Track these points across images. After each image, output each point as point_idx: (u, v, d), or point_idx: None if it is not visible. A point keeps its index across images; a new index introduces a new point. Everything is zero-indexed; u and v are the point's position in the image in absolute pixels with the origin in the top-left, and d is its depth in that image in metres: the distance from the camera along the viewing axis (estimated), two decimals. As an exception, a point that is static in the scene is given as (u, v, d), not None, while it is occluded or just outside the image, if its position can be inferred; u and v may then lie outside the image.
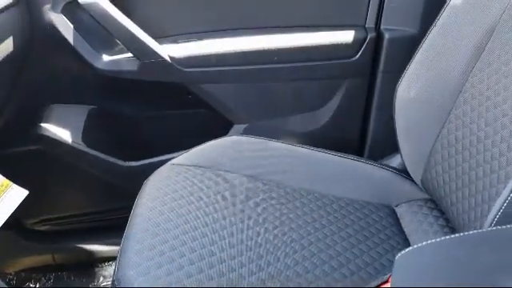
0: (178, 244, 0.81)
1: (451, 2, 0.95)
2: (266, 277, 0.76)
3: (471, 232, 0.62)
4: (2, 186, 0.93)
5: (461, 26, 0.94)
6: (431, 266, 0.54)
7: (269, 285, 0.75)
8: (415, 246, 0.59)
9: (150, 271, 0.75)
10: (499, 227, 0.62)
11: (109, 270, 1.39)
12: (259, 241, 0.84)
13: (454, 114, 0.94)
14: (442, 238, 0.58)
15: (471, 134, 0.89)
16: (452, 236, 0.57)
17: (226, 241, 0.83)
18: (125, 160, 1.29)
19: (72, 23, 1.15)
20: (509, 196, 0.68)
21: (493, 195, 0.75)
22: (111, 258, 1.41)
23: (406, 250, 0.57)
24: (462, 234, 0.59)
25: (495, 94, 0.87)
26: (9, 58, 1.03)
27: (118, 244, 1.36)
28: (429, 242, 0.60)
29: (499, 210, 0.69)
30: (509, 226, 0.59)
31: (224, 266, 0.77)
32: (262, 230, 0.86)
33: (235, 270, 0.77)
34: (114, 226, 1.38)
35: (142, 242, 0.81)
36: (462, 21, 0.94)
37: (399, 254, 0.57)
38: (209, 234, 0.84)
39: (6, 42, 1.02)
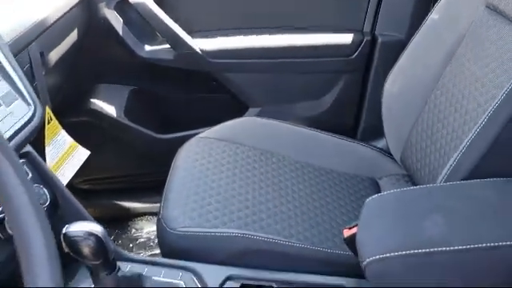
0: (206, 195, 1.04)
1: (430, 16, 1.17)
2: (265, 224, 0.99)
3: (424, 186, 0.85)
4: (71, 147, 1.16)
5: (436, 35, 1.16)
6: (390, 209, 0.77)
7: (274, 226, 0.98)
8: (380, 194, 0.82)
9: (186, 212, 0.98)
10: (447, 183, 0.84)
11: (140, 224, 1.63)
12: (262, 198, 1.06)
13: (428, 106, 1.16)
14: (401, 189, 0.81)
15: (438, 121, 1.10)
16: (409, 188, 0.80)
17: (242, 196, 1.06)
18: (158, 133, 1.53)
19: (122, 18, 1.40)
20: (455, 161, 0.87)
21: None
22: (141, 214, 1.64)
23: (373, 196, 0.80)
24: (417, 187, 0.81)
25: (458, 91, 1.08)
26: (73, 45, 1.27)
27: (148, 202, 1.62)
28: (391, 191, 0.83)
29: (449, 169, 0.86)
30: (453, 183, 0.82)
31: (241, 212, 1.00)
32: (264, 190, 1.08)
33: (248, 216, 1.00)
34: (145, 188, 1.62)
35: (179, 192, 1.04)
36: (437, 31, 1.16)
37: (367, 200, 0.81)
38: (228, 189, 1.07)
39: (72, 34, 1.26)
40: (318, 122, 1.40)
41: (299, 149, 1.25)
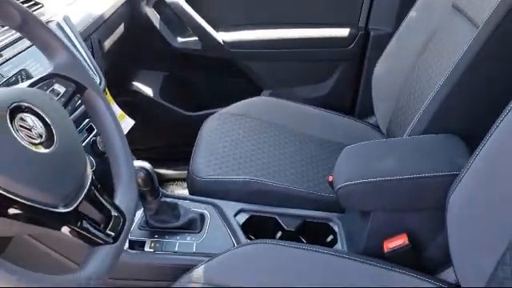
0: (225, 154, 1.30)
1: (410, 13, 1.41)
2: (270, 173, 1.25)
3: (386, 139, 1.10)
4: (120, 116, 1.44)
5: (414, 30, 1.40)
6: (357, 154, 1.03)
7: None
8: (351, 145, 1.08)
9: (210, 165, 1.25)
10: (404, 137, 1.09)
11: (171, 188, 1.90)
12: (268, 156, 1.31)
13: (407, 84, 1.39)
14: (367, 141, 1.07)
15: (414, 98, 1.33)
16: (375, 141, 1.05)
17: (253, 154, 1.31)
18: (186, 111, 1.81)
19: (159, 15, 1.68)
20: (416, 120, 1.06)
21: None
22: (172, 180, 1.91)
23: (347, 147, 1.06)
24: (381, 140, 1.06)
25: (431, 73, 1.31)
26: (121, 36, 1.55)
27: (178, 170, 1.88)
28: (361, 143, 1.08)
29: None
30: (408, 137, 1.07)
31: (252, 164, 1.26)
32: (270, 151, 1.32)
33: (257, 168, 1.26)
34: (175, 158, 1.89)
35: (204, 152, 1.31)
36: (415, 26, 1.39)
37: (343, 150, 1.06)
38: (242, 149, 1.33)
39: (120, 27, 1.54)
40: (320, 102, 1.63)
41: (299, 122, 1.47)
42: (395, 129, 1.34)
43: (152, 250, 1.00)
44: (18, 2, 0.65)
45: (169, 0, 1.63)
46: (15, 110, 0.56)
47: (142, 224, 1.04)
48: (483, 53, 0.98)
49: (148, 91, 1.77)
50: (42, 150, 0.56)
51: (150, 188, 0.99)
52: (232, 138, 1.38)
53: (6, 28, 0.96)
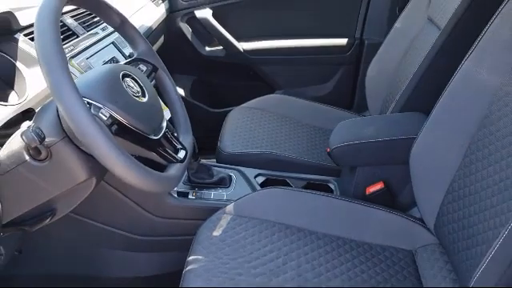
0: (246, 135, 1.63)
1: (395, 25, 1.73)
2: (283, 147, 1.57)
3: (370, 116, 1.43)
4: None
5: (397, 39, 1.70)
6: (347, 126, 1.35)
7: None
8: (345, 121, 1.40)
9: (234, 143, 1.58)
10: (388, 114, 1.42)
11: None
12: (281, 136, 1.65)
13: (392, 83, 1.70)
14: (358, 118, 1.39)
15: (397, 93, 1.65)
16: (362, 117, 1.38)
17: (268, 134, 1.64)
18: (211, 108, 2.15)
19: (191, 28, 2.04)
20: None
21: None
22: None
23: (341, 122, 1.38)
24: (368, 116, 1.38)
25: (408, 74, 1.61)
26: (161, 46, 1.91)
27: (203, 158, 2.21)
28: (351, 119, 1.40)
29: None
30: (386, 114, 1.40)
31: (267, 141, 1.59)
32: (282, 133, 1.67)
33: (271, 143, 1.59)
34: (200, 147, 2.21)
35: (229, 134, 1.63)
36: (398, 35, 1.71)
37: (338, 124, 1.39)
38: (259, 131, 1.65)
39: (160, 38, 1.91)
40: (324, 99, 1.96)
41: (306, 114, 1.77)
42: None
43: (194, 198, 1.33)
44: (116, 8, 1.00)
45: (199, 16, 1.99)
46: (123, 76, 0.90)
47: (185, 180, 1.38)
48: (442, 50, 1.31)
49: (180, 91, 2.12)
50: (139, 99, 0.90)
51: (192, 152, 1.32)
52: (250, 124, 1.70)
53: (89, 33, 1.32)
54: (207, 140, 2.05)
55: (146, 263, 1.36)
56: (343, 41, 2.03)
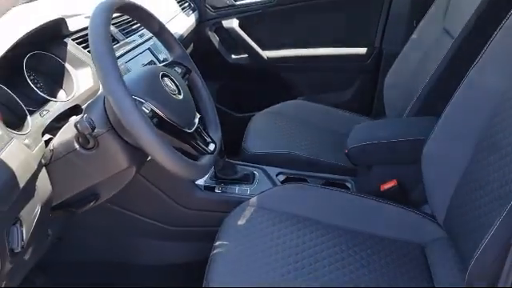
0: (268, 136, 1.73)
1: (412, 36, 1.82)
2: (303, 148, 1.66)
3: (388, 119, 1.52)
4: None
5: (414, 49, 1.79)
6: (363, 127, 1.44)
7: None
8: (362, 123, 1.49)
9: (256, 144, 1.68)
10: (402, 118, 1.50)
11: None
12: (301, 140, 1.75)
13: (408, 92, 1.78)
14: (375, 121, 1.48)
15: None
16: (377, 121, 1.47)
17: (289, 135, 1.74)
18: (236, 113, 2.26)
19: (218, 37, 2.16)
20: None
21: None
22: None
23: (358, 125, 1.47)
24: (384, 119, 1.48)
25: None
26: (190, 53, 2.03)
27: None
28: (366, 123, 1.50)
29: None
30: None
31: (287, 142, 1.69)
32: (303, 135, 1.77)
33: (293, 145, 1.68)
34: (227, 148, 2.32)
35: (253, 135, 1.73)
36: (414, 46, 1.79)
37: (355, 126, 1.48)
38: (281, 133, 1.75)
39: (190, 46, 2.03)
40: (343, 106, 2.03)
41: (325, 119, 1.86)
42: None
43: (220, 191, 1.43)
44: (156, 16, 1.12)
45: (226, 26, 2.12)
46: (162, 76, 1.01)
47: (212, 176, 1.48)
48: (454, 58, 1.39)
49: (208, 96, 2.23)
50: (176, 97, 1.01)
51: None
52: (273, 127, 1.80)
53: (128, 39, 1.45)
54: (232, 142, 2.16)
55: (175, 252, 1.46)
56: (363, 50, 2.12)
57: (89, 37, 0.89)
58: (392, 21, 2.07)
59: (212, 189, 1.44)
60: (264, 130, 1.78)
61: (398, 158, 1.34)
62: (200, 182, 1.47)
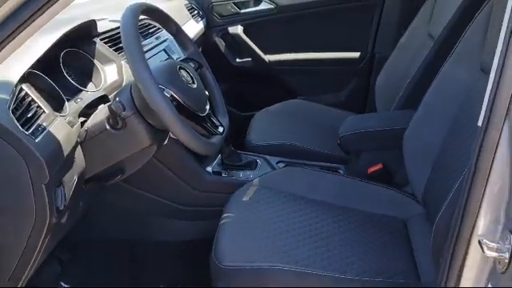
0: (269, 130, 1.91)
1: (400, 40, 2.00)
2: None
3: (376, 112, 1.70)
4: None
5: (402, 53, 1.97)
6: (354, 119, 1.62)
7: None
8: (352, 116, 1.67)
9: (259, 137, 1.86)
10: (387, 111, 1.68)
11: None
12: (299, 130, 1.92)
13: (397, 91, 1.96)
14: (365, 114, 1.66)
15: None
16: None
17: (287, 128, 1.91)
18: (240, 111, 2.44)
19: (224, 42, 2.35)
20: None
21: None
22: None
23: (350, 117, 1.65)
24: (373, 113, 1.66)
25: None
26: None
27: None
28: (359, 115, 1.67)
29: None
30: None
31: (287, 134, 1.86)
32: (300, 128, 1.94)
33: (292, 136, 1.85)
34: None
35: (255, 130, 1.91)
36: (402, 51, 1.97)
37: (346, 120, 1.66)
38: (280, 128, 1.93)
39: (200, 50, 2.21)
40: (338, 105, 2.22)
41: (322, 117, 2.05)
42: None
43: (226, 175, 1.61)
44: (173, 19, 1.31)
45: (232, 32, 2.31)
46: (179, 68, 1.19)
47: (219, 162, 1.66)
48: (433, 58, 1.57)
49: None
50: (191, 86, 1.19)
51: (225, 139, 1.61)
52: (273, 123, 1.97)
53: (146, 41, 1.63)
54: (236, 138, 2.34)
55: (184, 229, 1.63)
56: (356, 54, 2.31)
57: (121, 35, 1.07)
58: (383, 28, 2.26)
59: (219, 173, 1.62)
60: (265, 125, 1.95)
61: (384, 144, 1.52)
62: (209, 168, 1.64)
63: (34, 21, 0.79)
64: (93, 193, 1.32)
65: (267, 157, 1.74)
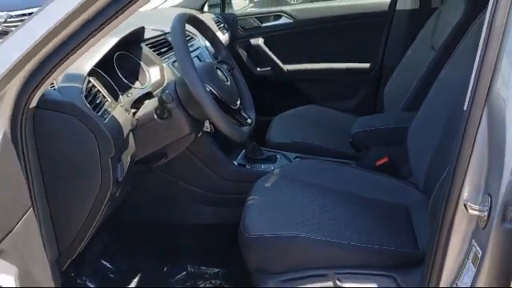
0: (286, 132, 2.11)
1: (406, 53, 2.20)
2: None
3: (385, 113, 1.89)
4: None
5: (408, 64, 2.16)
6: (367, 119, 1.81)
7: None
8: (362, 117, 1.86)
9: (278, 137, 2.05)
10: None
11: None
12: (315, 131, 2.12)
13: (402, 98, 2.16)
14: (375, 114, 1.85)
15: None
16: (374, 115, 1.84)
17: (303, 129, 2.11)
18: (259, 116, 2.62)
19: (246, 53, 2.57)
20: None
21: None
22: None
23: (360, 118, 1.85)
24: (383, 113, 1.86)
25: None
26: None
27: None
28: (367, 116, 1.87)
29: None
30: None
31: (303, 134, 2.06)
32: (315, 130, 2.14)
33: (307, 134, 2.05)
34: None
35: (274, 131, 2.11)
36: (408, 62, 2.17)
37: (357, 120, 1.85)
38: (297, 128, 2.13)
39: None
40: (349, 111, 2.39)
41: (335, 121, 2.26)
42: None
43: (249, 167, 1.81)
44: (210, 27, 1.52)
45: (253, 43, 2.53)
46: (216, 68, 1.40)
47: (243, 156, 1.86)
48: (434, 65, 1.76)
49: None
50: (225, 83, 1.40)
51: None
52: (291, 124, 2.17)
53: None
54: (257, 140, 2.54)
55: (212, 214, 1.83)
56: (367, 65, 2.52)
57: (172, 39, 1.29)
58: (391, 41, 2.46)
59: (243, 165, 1.82)
60: (284, 126, 2.16)
61: (391, 140, 1.70)
62: (234, 161, 1.84)
63: (116, 18, 0.91)
64: (138, 175, 1.52)
65: (286, 152, 1.93)
